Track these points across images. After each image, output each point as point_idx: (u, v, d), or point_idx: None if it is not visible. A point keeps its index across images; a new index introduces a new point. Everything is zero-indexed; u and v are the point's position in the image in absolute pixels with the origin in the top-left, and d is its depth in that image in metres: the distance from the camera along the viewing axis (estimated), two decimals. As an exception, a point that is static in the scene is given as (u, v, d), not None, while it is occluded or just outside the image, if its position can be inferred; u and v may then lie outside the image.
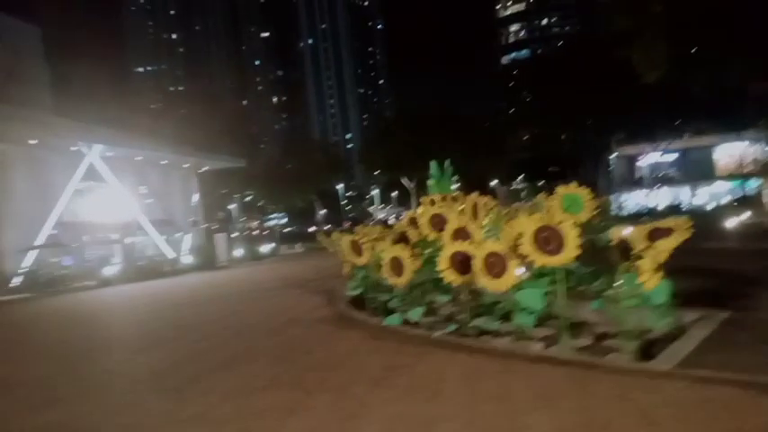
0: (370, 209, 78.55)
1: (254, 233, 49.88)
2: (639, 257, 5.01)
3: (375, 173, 62.04)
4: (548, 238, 4.81)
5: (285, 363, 5.85)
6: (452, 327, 6.10)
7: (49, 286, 24.20)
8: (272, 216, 71.84)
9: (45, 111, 31.06)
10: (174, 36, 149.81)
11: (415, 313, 6.63)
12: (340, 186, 66.90)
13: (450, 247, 5.89)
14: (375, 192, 66.82)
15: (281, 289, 14.34)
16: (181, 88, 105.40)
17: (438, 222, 6.86)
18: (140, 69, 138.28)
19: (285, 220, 71.88)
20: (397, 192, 65.15)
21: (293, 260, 30.74)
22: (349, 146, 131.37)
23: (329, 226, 53.58)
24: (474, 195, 7.58)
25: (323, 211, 67.40)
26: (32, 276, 24.86)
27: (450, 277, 5.81)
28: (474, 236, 6.24)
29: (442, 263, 5.85)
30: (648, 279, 4.73)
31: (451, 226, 6.46)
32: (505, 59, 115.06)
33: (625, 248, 5.61)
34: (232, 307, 11.98)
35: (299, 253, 40.02)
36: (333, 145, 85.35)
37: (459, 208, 7.46)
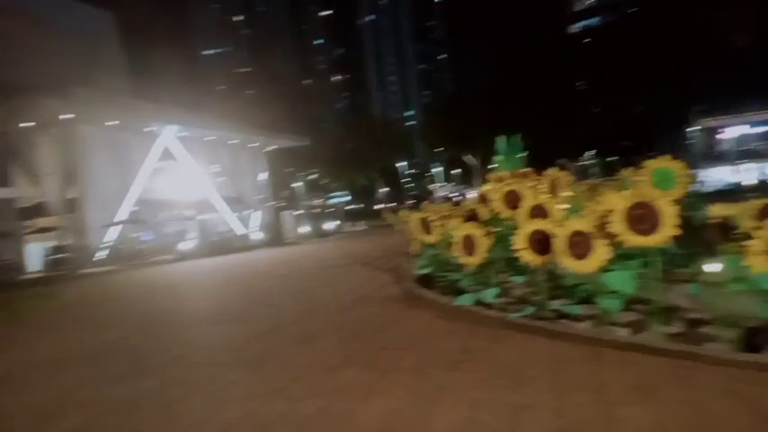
0: (432, 186, 77.94)
1: (319, 211, 50.82)
2: (744, 237, 4.53)
3: (437, 150, 61.28)
4: (642, 216, 4.43)
5: (357, 341, 5.82)
6: (530, 309, 5.83)
7: (130, 260, 25.78)
8: (335, 194, 72.84)
9: (122, 94, 32.70)
10: (238, 18, 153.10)
11: (489, 294, 6.40)
12: (401, 164, 66.68)
13: (528, 226, 5.60)
14: (437, 169, 66.11)
15: (348, 266, 14.45)
16: (247, 70, 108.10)
17: (512, 199, 6.56)
18: (207, 52, 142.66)
19: (348, 198, 72.69)
20: (459, 169, 64.19)
21: (357, 237, 31.04)
22: (410, 123, 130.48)
23: (393, 204, 53.66)
24: (552, 171, 7.19)
25: (384, 190, 67.54)
26: (115, 250, 26.54)
27: (528, 257, 5.54)
28: (553, 214, 5.92)
29: (519, 242, 5.58)
30: (758, 262, 4.26)
31: (528, 203, 6.16)
32: (575, 28, 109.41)
33: (726, 228, 5.12)
34: (302, 283, 12.21)
35: (362, 230, 40.40)
36: (394, 122, 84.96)
37: (533, 185, 7.10)
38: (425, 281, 8.42)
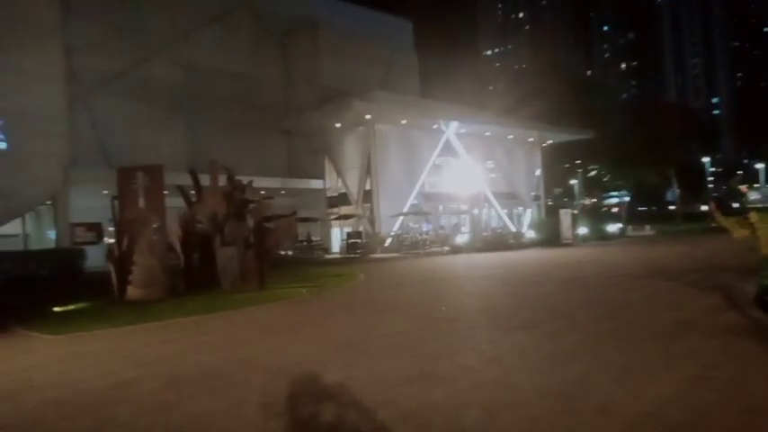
0: (743, 187, 63.80)
1: (602, 210, 46.67)
2: None
3: (755, 143, 49.57)
4: None
5: (709, 393, 4.21)
6: None
7: (411, 248, 27.54)
8: (613, 193, 65.99)
9: (413, 95, 35.26)
10: (520, 15, 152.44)
11: None
12: (705, 160, 56.24)
13: None
14: (761, 166, 53.54)
15: (647, 278, 12.13)
16: (524, 66, 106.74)
17: None
18: (488, 52, 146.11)
19: (627, 198, 64.98)
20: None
21: (646, 244, 26.98)
22: (715, 112, 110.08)
23: (696, 207, 45.61)
24: None
25: (676, 189, 58.14)
26: (398, 239, 28.70)
27: None
28: None
29: None
30: None
31: None
32: None
33: None
34: (591, 292, 10.61)
35: (649, 236, 35.26)
36: (695, 111, 72.43)
37: None
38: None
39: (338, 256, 28.34)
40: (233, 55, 30.28)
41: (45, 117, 20.20)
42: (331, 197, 31.99)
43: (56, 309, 11.78)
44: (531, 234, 30.32)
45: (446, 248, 27.03)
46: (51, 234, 21.72)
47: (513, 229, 33.15)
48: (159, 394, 5.08)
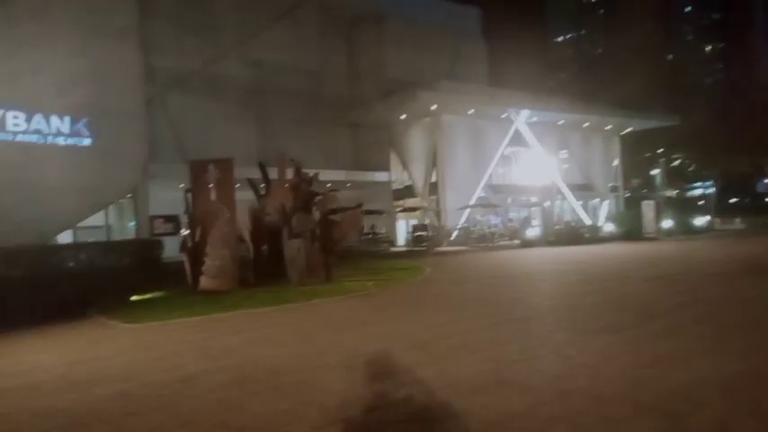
0: None
1: (688, 202, 43.54)
2: None
3: None
4: None
5: None
6: None
7: (479, 242, 26.76)
8: (696, 184, 61.51)
9: (481, 83, 34.21)
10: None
11: None
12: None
13: None
14: None
15: (747, 276, 10.90)
16: (599, 51, 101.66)
17: None
18: (559, 39, 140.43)
19: (712, 188, 60.35)
20: None
21: (738, 238, 24.74)
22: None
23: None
24: None
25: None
26: (465, 232, 27.99)
27: None
28: None
29: None
30: None
31: None
32: None
33: None
34: (686, 292, 9.60)
35: (739, 229, 32.45)
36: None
37: None
38: None
39: (403, 248, 28.05)
40: (300, 50, 30.63)
41: (125, 115, 21.19)
42: (396, 189, 31.71)
43: (134, 297, 12.25)
44: (609, 227, 28.61)
45: (516, 242, 26.03)
46: (132, 225, 22.86)
47: (589, 223, 31.52)
48: (225, 390, 4.95)
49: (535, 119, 30.52)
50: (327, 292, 11.54)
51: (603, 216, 34.46)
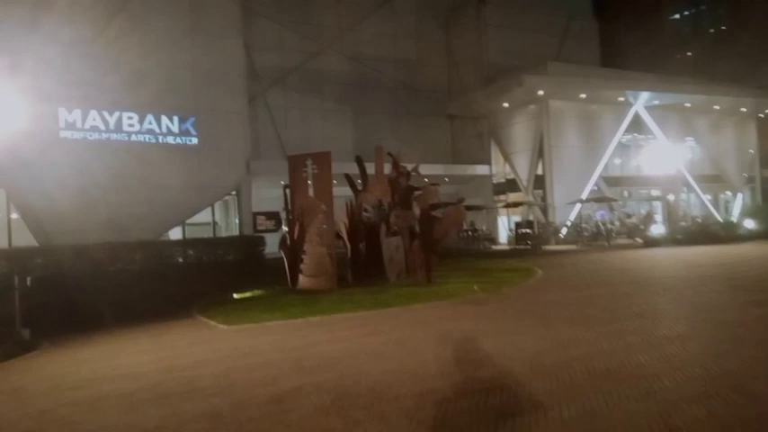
0: None
1: None
2: None
3: None
4: None
5: None
6: None
7: (592, 240, 24.45)
8: None
9: (593, 64, 31.45)
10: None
11: None
12: None
13: None
14: None
15: None
16: (723, 28, 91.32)
17: None
18: (676, 16, 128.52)
19: None
20: None
21: None
22: None
23: None
24: None
25: None
26: (576, 229, 25.74)
27: None
28: None
29: None
30: None
31: None
32: None
33: None
34: None
35: None
36: None
37: None
38: None
39: (506, 247, 26.43)
40: (396, 41, 29.97)
41: (229, 113, 21.73)
42: (498, 183, 30.03)
43: (235, 295, 12.17)
44: (748, 223, 24.98)
45: (638, 241, 23.40)
46: (236, 222, 23.50)
47: (720, 218, 27.86)
48: (321, 417, 4.25)
49: (656, 102, 27.38)
50: (429, 295, 10.65)
51: (737, 211, 30.38)
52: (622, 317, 7.77)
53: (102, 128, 19.00)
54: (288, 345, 7.14)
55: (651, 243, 21.97)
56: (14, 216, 18.30)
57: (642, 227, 24.70)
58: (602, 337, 6.44)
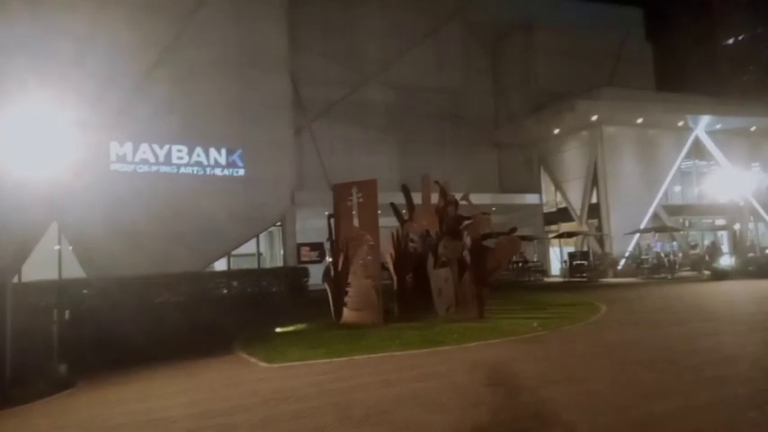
0: None
1: None
2: None
3: None
4: None
5: None
6: None
7: (653, 272, 22.91)
8: None
9: (648, 88, 30.21)
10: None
11: None
12: None
13: None
14: None
15: None
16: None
17: None
18: (730, 41, 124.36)
19: None
20: None
21: None
22: None
23: None
24: None
25: None
26: (634, 260, 24.26)
27: None
28: None
29: None
30: None
31: None
32: None
33: None
34: None
35: None
36: None
37: None
38: None
39: (559, 279, 25.12)
40: (442, 70, 29.77)
41: (276, 145, 21.83)
42: (548, 213, 28.87)
43: (278, 329, 11.70)
44: (828, 256, 22.88)
45: (705, 273, 21.72)
46: (281, 253, 23.31)
47: (793, 250, 25.67)
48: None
49: (719, 126, 25.86)
50: (483, 332, 9.83)
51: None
52: (712, 360, 6.76)
53: (152, 160, 19.35)
54: (332, 387, 6.51)
55: (719, 276, 20.27)
56: (65, 247, 18.66)
57: (708, 258, 23.01)
58: (696, 389, 5.51)
